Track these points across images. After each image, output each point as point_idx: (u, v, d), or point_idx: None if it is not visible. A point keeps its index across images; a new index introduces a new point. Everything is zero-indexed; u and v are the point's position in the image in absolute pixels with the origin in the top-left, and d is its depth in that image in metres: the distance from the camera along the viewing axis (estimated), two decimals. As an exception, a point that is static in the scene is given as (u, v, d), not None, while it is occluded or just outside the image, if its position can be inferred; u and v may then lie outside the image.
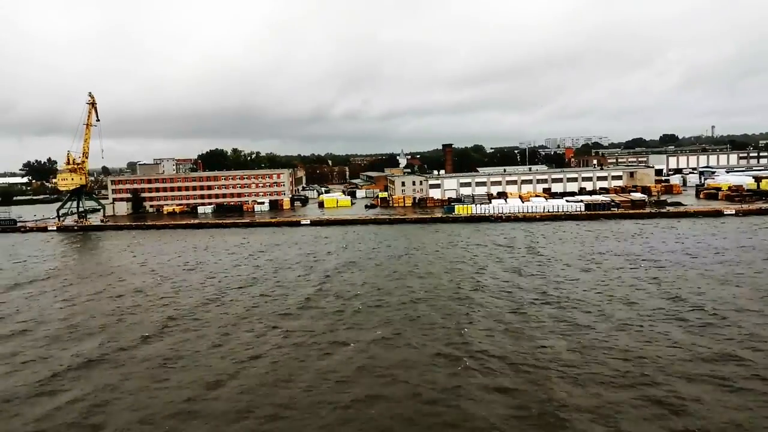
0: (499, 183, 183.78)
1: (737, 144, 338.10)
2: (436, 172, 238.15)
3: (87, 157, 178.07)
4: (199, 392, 43.24)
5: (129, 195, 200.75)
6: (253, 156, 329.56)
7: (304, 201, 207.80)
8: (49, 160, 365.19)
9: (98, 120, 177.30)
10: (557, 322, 55.55)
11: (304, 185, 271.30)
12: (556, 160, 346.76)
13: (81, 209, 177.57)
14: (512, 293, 67.80)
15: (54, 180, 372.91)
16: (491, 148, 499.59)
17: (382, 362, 47.41)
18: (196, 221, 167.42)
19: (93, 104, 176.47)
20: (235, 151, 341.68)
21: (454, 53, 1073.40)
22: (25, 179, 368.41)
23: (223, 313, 64.78)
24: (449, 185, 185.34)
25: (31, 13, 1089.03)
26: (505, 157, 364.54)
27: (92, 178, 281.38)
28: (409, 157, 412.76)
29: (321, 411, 39.36)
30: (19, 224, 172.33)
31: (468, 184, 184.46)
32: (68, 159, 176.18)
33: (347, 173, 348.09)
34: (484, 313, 59.79)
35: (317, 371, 46.06)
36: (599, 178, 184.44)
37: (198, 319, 63.08)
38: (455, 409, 38.75)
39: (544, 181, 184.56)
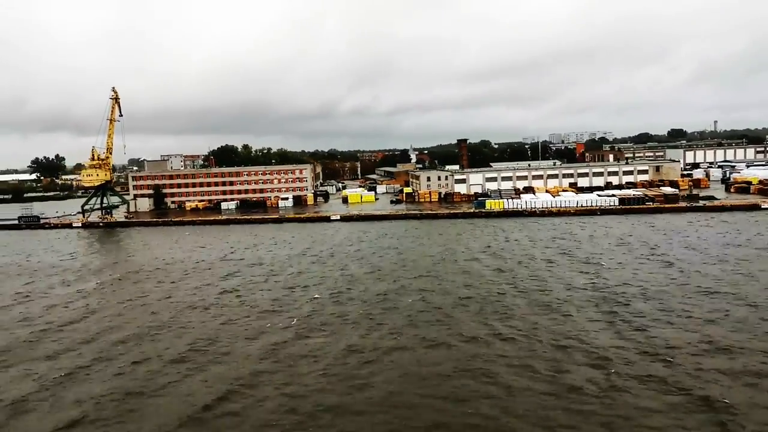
0: (525, 178, 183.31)
1: (752, 138, 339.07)
2: (448, 167, 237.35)
3: (111, 153, 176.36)
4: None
5: (150, 191, 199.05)
6: (265, 152, 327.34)
7: (326, 196, 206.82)
8: (57, 156, 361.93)
9: (121, 115, 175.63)
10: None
11: (322, 181, 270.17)
12: (567, 155, 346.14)
13: (106, 205, 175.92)
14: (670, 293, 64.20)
15: (63, 176, 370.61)
16: (495, 144, 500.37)
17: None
18: (224, 217, 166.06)
19: (116, 99, 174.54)
20: (245, 147, 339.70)
21: (464, 50, 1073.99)
22: (33, 176, 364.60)
23: (343, 315, 61.88)
24: (475, 180, 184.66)
25: (43, 11, 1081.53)
26: (515, 152, 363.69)
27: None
28: (417, 152, 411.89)
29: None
30: (42, 221, 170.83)
31: (494, 179, 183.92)
32: (93, 155, 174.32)
33: (359, 169, 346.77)
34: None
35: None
36: (625, 173, 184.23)
37: (321, 318, 60.91)
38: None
39: (570, 175, 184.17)
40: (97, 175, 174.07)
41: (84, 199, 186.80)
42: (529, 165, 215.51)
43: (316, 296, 69.93)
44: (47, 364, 51.20)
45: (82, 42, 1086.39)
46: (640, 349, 47.47)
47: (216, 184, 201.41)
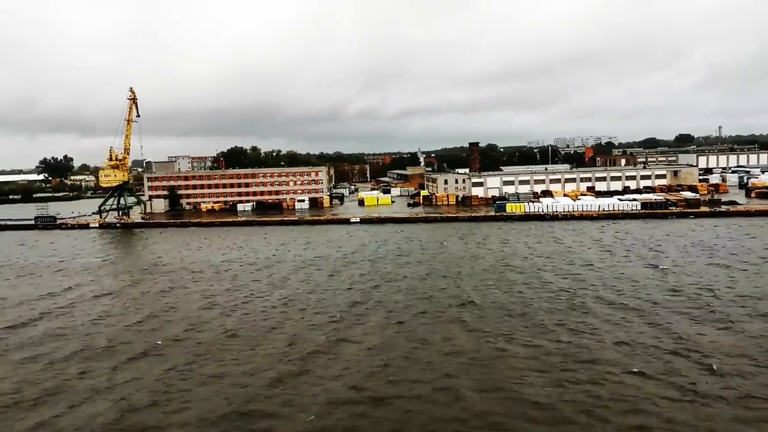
0: (542, 181, 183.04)
1: (763, 143, 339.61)
2: (458, 170, 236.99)
3: (128, 153, 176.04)
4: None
5: (166, 192, 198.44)
6: (274, 154, 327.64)
7: (341, 199, 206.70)
8: (65, 157, 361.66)
9: (138, 116, 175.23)
10: None
11: (335, 183, 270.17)
12: (576, 159, 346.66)
13: (123, 206, 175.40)
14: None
15: (72, 177, 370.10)
16: (501, 148, 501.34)
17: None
18: (242, 219, 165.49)
19: (134, 100, 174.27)
20: (254, 149, 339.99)
21: (475, 52, 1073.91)
22: (41, 176, 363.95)
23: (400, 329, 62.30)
24: (492, 183, 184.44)
25: (45, 11, 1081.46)
26: (524, 156, 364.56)
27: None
28: (424, 155, 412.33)
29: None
30: (59, 221, 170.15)
31: (511, 182, 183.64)
32: (111, 155, 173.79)
33: (368, 172, 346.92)
34: None
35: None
36: (642, 177, 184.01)
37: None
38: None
39: (588, 179, 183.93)
40: (115, 175, 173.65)
41: (95, 200, 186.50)
42: (546, 169, 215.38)
43: (397, 300, 68.42)
44: (136, 366, 50.73)
45: (89, 42, 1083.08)
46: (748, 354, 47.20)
47: (231, 185, 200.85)
